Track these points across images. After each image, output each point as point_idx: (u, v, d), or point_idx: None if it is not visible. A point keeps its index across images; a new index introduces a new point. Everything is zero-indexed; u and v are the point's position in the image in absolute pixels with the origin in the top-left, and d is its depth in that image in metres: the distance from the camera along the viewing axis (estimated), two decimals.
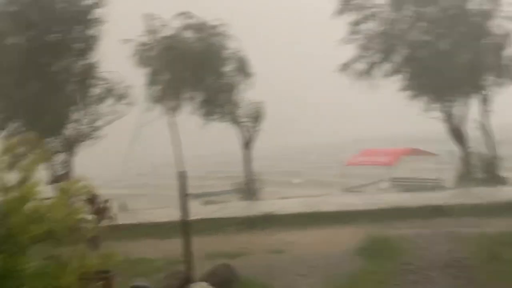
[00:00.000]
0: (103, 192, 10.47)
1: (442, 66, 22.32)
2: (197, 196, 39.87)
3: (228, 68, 24.72)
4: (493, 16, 22.43)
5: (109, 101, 22.93)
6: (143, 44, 24.32)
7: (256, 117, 23.92)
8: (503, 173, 21.87)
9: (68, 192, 4.42)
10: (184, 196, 11.18)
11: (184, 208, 10.81)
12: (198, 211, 17.71)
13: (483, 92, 22.83)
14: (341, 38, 23.68)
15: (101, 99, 22.74)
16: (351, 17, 23.59)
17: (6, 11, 21.55)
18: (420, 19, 23.13)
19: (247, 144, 24.25)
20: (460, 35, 22.19)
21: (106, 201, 10.32)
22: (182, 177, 11.52)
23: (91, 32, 22.80)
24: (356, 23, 23.52)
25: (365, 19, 23.67)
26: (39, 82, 20.22)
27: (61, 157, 23.30)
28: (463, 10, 22.42)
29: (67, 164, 23.06)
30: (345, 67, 23.79)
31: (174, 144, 9.92)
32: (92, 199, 9.93)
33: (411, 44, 23.14)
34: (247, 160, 24.04)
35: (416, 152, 31.47)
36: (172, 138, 10.18)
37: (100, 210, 10.26)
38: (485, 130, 22.64)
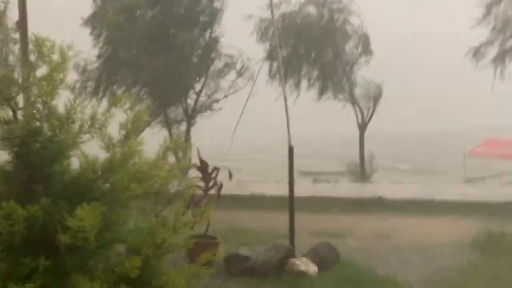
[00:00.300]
0: (212, 162, 10.82)
1: None
2: (308, 173, 40.17)
3: (348, 45, 24.15)
4: None
5: (229, 75, 23.63)
6: (264, 20, 24.44)
7: (374, 97, 23.13)
8: None
9: (174, 151, 4.49)
10: (292, 172, 11.20)
11: (291, 184, 10.83)
12: (307, 188, 17.76)
13: None
14: (474, 20, 21.96)
15: (222, 72, 23.47)
16: None
17: None
18: None
19: (362, 126, 23.62)
20: None
21: (215, 168, 10.66)
22: (291, 152, 11.54)
23: (216, 4, 23.55)
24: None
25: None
26: (166, 53, 21.32)
27: (181, 126, 24.60)
28: None
29: (186, 132, 24.24)
30: (476, 51, 22.09)
31: (287, 121, 9.91)
32: (201, 165, 10.30)
33: None
34: (361, 142, 23.48)
35: None
36: (286, 115, 10.17)
37: (208, 176, 10.63)
38: None
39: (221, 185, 10.75)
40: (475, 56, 22.33)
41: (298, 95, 24.56)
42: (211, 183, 10.59)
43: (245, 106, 11.75)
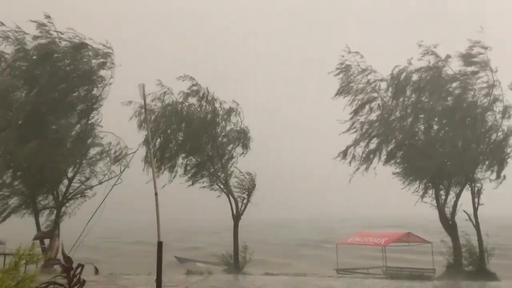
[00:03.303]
0: (79, 255, 10.73)
1: (435, 152, 23.06)
2: (184, 260, 39.79)
3: (226, 138, 25.32)
4: (489, 109, 23.20)
5: (105, 162, 23.52)
6: (144, 108, 24.96)
7: (248, 189, 24.17)
8: (491, 268, 21.79)
9: (23, 259, 4.66)
10: (160, 269, 11.37)
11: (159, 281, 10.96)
12: (180, 281, 17.70)
13: (475, 183, 23.19)
14: (342, 124, 24.72)
15: (97, 159, 23.32)
16: (352, 100, 24.70)
17: (14, 65, 22.61)
18: (418, 108, 24.00)
19: (236, 216, 24.36)
20: (455, 125, 22.94)
21: (80, 265, 10.54)
22: (159, 247, 11.74)
23: (95, 92, 23.77)
24: (357, 108, 24.56)
25: (365, 104, 24.66)
26: (39, 139, 20.87)
27: (49, 214, 23.66)
28: (460, 102, 23.24)
29: (55, 221, 23.30)
30: (344, 153, 24.56)
31: (157, 216, 10.21)
32: (64, 265, 10.17)
33: (408, 131, 23.90)
34: (235, 234, 24.08)
35: (410, 237, 31.46)
36: (157, 211, 10.49)
37: (72, 273, 10.47)
38: (475, 222, 22.78)
39: (83, 282, 10.60)
40: (344, 158, 24.75)
41: (170, 181, 24.94)
42: (74, 280, 10.41)
43: (106, 195, 11.87)
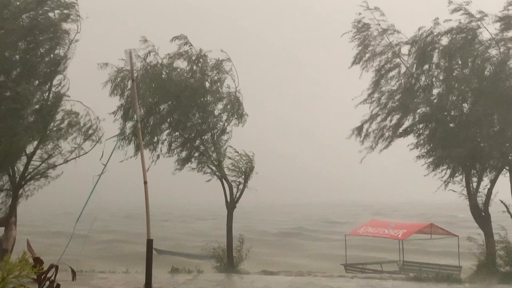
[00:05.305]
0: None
1: (469, 133, 22.73)
2: (168, 253, 39.81)
3: (218, 108, 24.87)
4: None
5: (72, 136, 22.98)
6: (122, 71, 24.41)
7: (245, 171, 23.81)
8: None
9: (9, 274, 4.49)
10: (150, 269, 11.17)
11: (148, 282, 10.80)
12: (165, 281, 17.52)
13: None
14: (357, 96, 24.32)
15: (62, 132, 22.75)
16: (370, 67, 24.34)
17: None
18: (448, 78, 23.60)
19: (231, 204, 24.04)
20: (495, 100, 22.58)
21: (52, 266, 10.26)
22: (149, 245, 11.51)
23: (58, 51, 23.02)
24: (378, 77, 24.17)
25: (386, 71, 24.28)
26: None
27: (4, 197, 23.16)
28: (501, 72, 22.85)
29: (10, 206, 22.85)
30: (359, 129, 24.26)
31: (147, 212, 9.89)
32: (38, 276, 9.85)
33: (436, 104, 23.52)
34: (229, 225, 23.78)
35: (432, 228, 31.53)
36: (146, 207, 10.19)
37: (43, 276, 10.20)
38: None
39: (58, 286, 10.37)
40: (359, 134, 24.42)
41: (154, 162, 24.56)
42: (46, 285, 10.16)
43: (93, 188, 11.53)
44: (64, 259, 10.75)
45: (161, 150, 24.91)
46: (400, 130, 24.31)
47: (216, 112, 25.07)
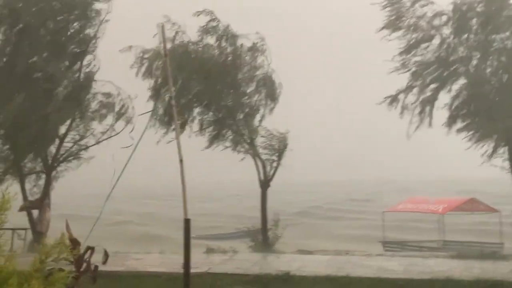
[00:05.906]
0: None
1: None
2: (201, 238, 39.78)
3: (251, 87, 24.41)
4: None
5: (104, 117, 22.89)
6: (148, 51, 24.10)
7: (278, 150, 23.41)
8: None
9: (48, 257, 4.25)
10: (188, 249, 10.91)
11: (186, 264, 10.56)
12: (200, 261, 17.31)
13: None
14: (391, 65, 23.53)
15: (95, 114, 22.68)
16: (404, 38, 23.49)
17: None
18: (488, 47, 22.76)
19: (264, 183, 23.69)
20: None
21: (89, 248, 10.05)
22: (187, 225, 11.21)
23: (88, 31, 22.82)
24: (410, 47, 23.35)
25: (420, 42, 23.47)
26: (24, 91, 20.09)
27: (38, 179, 23.25)
28: None
29: (44, 188, 22.91)
30: (392, 99, 23.51)
31: (183, 191, 9.65)
32: (75, 258, 9.62)
33: (474, 76, 22.74)
34: (263, 203, 23.47)
35: (473, 204, 30.94)
36: (183, 189, 9.94)
37: (80, 259, 9.99)
38: None
39: (96, 268, 10.15)
40: (392, 104, 23.69)
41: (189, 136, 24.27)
42: (83, 267, 9.95)
43: (127, 163, 11.26)
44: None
45: (191, 129, 24.60)
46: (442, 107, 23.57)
47: (249, 92, 24.66)
